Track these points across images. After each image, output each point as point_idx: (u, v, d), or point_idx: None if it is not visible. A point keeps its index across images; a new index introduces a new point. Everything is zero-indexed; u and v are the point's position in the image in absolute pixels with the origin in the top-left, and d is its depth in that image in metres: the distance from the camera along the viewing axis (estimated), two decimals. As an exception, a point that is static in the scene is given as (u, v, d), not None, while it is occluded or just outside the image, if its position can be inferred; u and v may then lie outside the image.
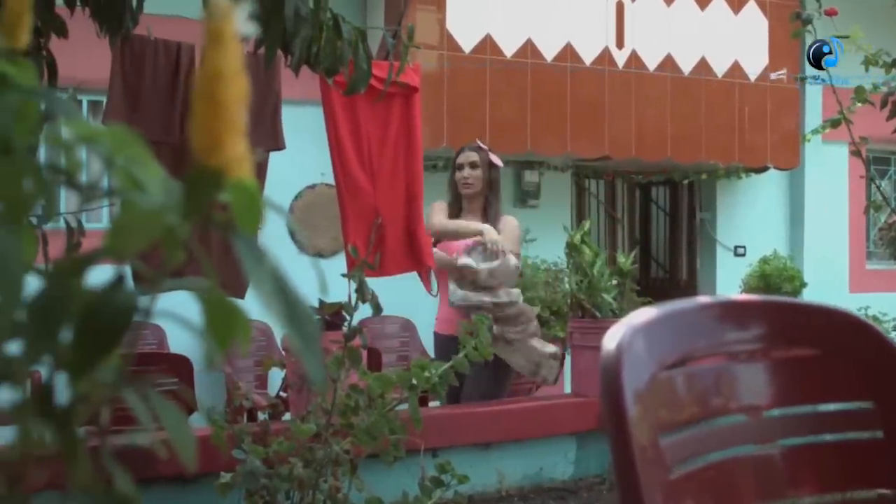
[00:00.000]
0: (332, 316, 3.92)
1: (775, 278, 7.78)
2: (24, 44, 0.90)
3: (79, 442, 0.75)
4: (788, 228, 11.30)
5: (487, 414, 5.30)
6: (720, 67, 10.18)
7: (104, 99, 5.31)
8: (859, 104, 5.39)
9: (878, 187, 6.20)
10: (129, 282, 0.77)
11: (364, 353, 4.02)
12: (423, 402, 5.18)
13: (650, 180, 11.38)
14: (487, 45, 9.03)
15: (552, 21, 9.31)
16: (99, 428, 0.82)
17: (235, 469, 3.74)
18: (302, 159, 7.30)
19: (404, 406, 3.94)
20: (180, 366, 6.17)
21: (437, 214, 5.60)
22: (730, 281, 10.11)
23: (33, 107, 0.84)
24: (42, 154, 0.82)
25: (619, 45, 9.66)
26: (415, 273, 5.78)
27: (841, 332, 1.62)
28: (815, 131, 6.67)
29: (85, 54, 4.73)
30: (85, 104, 7.74)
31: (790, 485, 1.51)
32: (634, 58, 9.72)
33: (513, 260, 5.38)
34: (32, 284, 0.76)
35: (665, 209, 12.20)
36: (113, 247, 0.75)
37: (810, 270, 9.63)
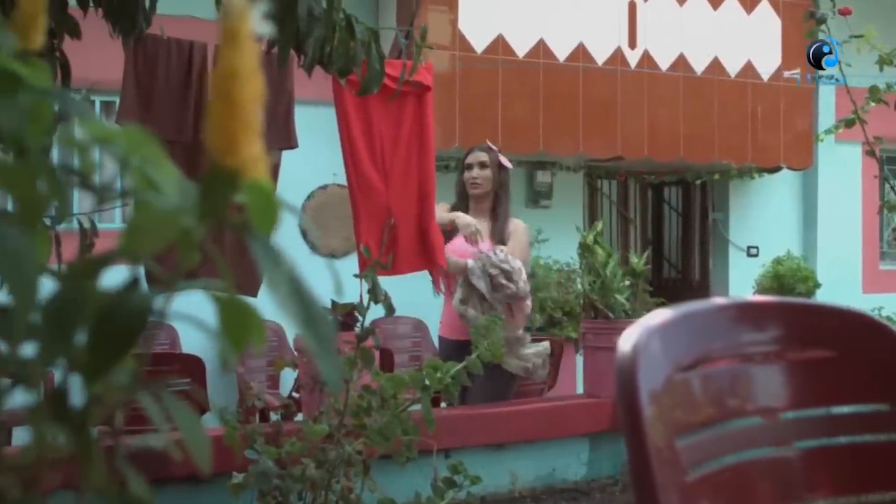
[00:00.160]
0: (345, 316, 3.92)
1: (789, 279, 7.76)
2: (38, 45, 0.89)
3: (93, 444, 0.75)
4: (801, 229, 11.26)
5: (500, 415, 5.29)
6: (733, 67, 10.15)
7: (117, 99, 5.32)
8: (873, 104, 5.37)
9: (893, 187, 6.16)
10: (143, 283, 0.77)
11: (376, 354, 4.01)
12: (435, 402, 5.17)
13: (662, 180, 11.36)
14: (499, 45, 9.02)
15: (564, 21, 9.29)
16: (113, 429, 0.82)
17: (248, 469, 3.74)
18: (314, 159, 7.30)
19: (417, 407, 3.93)
20: (193, 366, 6.18)
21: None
22: (742, 281, 10.08)
23: (47, 107, 0.83)
24: (55, 154, 0.82)
25: (632, 45, 9.64)
26: (425, 272, 5.78)
27: (856, 333, 1.61)
28: (828, 131, 6.64)
29: (98, 55, 4.74)
30: (98, 105, 7.76)
31: (805, 487, 1.50)
32: (647, 58, 9.70)
33: (518, 283, 5.35)
34: (47, 286, 0.76)
35: (677, 209, 12.17)
36: (127, 248, 0.74)
37: (823, 271, 9.60)
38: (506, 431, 5.25)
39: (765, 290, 7.88)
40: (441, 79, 7.80)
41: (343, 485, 3.84)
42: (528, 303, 5.48)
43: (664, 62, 9.79)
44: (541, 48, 9.19)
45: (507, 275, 5.28)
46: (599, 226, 5.81)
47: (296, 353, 7.09)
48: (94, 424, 0.77)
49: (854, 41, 5.53)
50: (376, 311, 3.92)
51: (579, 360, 6.48)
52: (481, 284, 5.24)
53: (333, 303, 3.60)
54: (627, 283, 5.64)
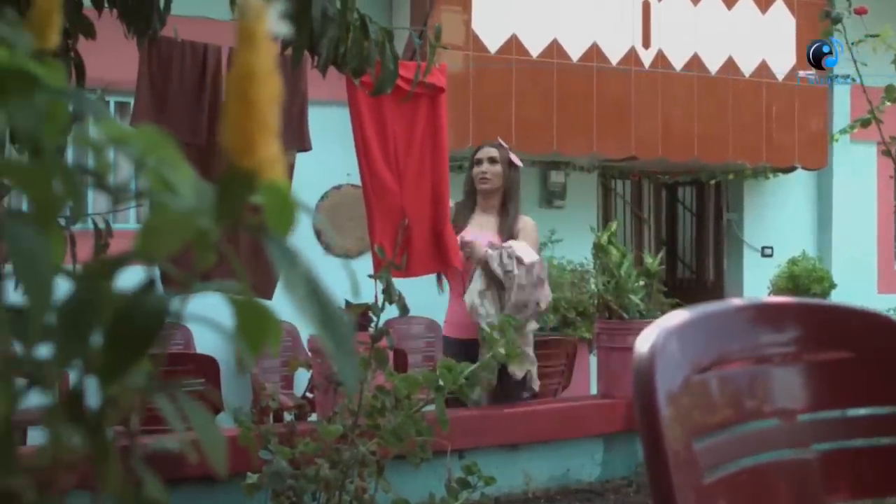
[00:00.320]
0: (359, 317, 3.92)
1: (804, 279, 7.73)
2: (53, 44, 0.89)
3: (109, 446, 0.75)
4: (816, 229, 11.22)
5: (514, 415, 5.28)
6: (747, 67, 10.12)
7: (131, 100, 5.33)
8: (889, 103, 5.35)
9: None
10: (159, 284, 0.76)
11: (390, 354, 4.01)
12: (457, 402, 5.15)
13: (676, 181, 11.34)
14: (513, 45, 9.01)
15: (578, 21, 9.28)
16: (129, 430, 0.81)
17: (262, 470, 3.74)
18: (328, 160, 7.30)
19: (431, 407, 3.93)
20: (207, 366, 6.19)
21: None
22: (757, 282, 10.04)
23: (63, 107, 0.83)
24: (70, 154, 0.82)
25: (646, 44, 9.62)
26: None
27: (874, 334, 1.60)
28: (843, 131, 6.62)
29: (112, 56, 4.75)
30: (112, 105, 7.77)
31: (824, 490, 1.49)
32: (661, 57, 9.68)
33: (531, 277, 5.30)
34: (62, 287, 0.75)
35: (692, 210, 12.14)
36: (143, 249, 0.74)
37: (838, 271, 9.55)
38: (520, 432, 5.25)
39: (780, 290, 7.84)
40: (454, 79, 7.79)
41: (357, 485, 3.83)
42: (540, 296, 5.38)
43: (678, 62, 9.77)
44: (554, 48, 9.18)
45: (522, 264, 5.25)
46: (614, 226, 5.79)
47: (310, 353, 7.09)
48: (110, 426, 0.77)
49: (870, 40, 5.50)
50: (390, 312, 3.91)
51: (593, 360, 6.46)
52: (499, 271, 5.20)
53: (347, 303, 3.60)
54: (642, 283, 5.62)
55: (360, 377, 3.65)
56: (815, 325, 1.57)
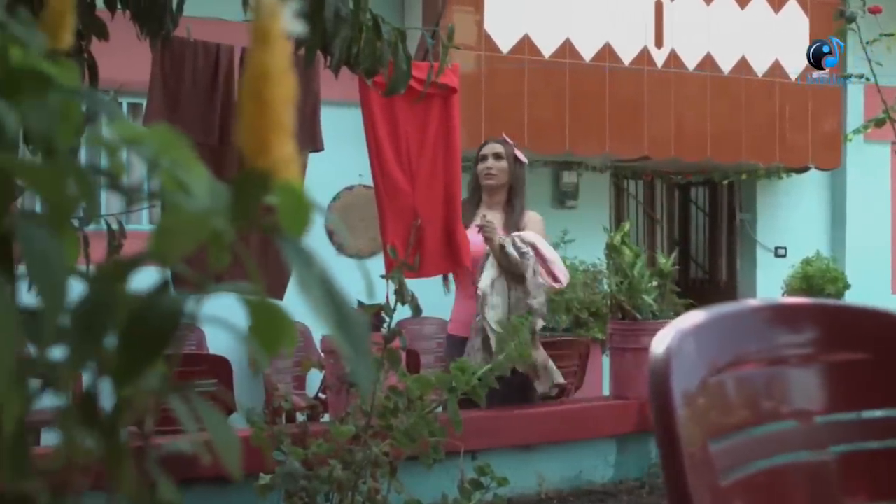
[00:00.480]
0: (371, 317, 3.91)
1: (818, 280, 7.70)
2: (66, 45, 0.89)
3: (123, 449, 0.74)
4: (829, 229, 11.19)
5: (527, 416, 5.27)
6: (760, 67, 10.09)
7: (143, 101, 5.33)
8: (903, 103, 5.32)
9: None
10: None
11: (403, 355, 4.00)
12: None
13: (689, 181, 11.31)
14: (525, 45, 9.00)
15: (591, 21, 9.26)
16: (143, 432, 0.81)
17: (275, 470, 3.74)
18: (340, 160, 7.30)
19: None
20: (219, 367, 6.20)
21: None
22: (770, 282, 10.01)
23: (76, 108, 0.83)
24: (83, 155, 0.81)
25: (658, 44, 9.60)
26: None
27: (892, 335, 1.58)
28: (857, 131, 6.60)
29: (125, 57, 4.75)
30: (125, 106, 7.79)
31: (841, 492, 1.48)
32: (674, 57, 9.66)
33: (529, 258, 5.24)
34: (76, 288, 0.75)
35: (704, 210, 12.11)
36: (157, 250, 0.73)
37: (852, 271, 9.51)
38: (533, 433, 5.24)
39: (794, 291, 7.82)
40: (467, 79, 7.79)
41: (370, 486, 3.83)
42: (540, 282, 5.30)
43: (691, 62, 9.75)
44: (567, 48, 9.17)
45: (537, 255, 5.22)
46: (627, 226, 5.77)
47: (322, 354, 7.09)
48: (125, 428, 0.76)
49: (884, 40, 5.48)
50: (402, 312, 3.91)
51: (606, 361, 6.44)
52: (515, 254, 5.17)
53: (360, 304, 3.59)
54: (655, 283, 5.61)
55: (374, 379, 3.65)
56: (831, 325, 1.55)
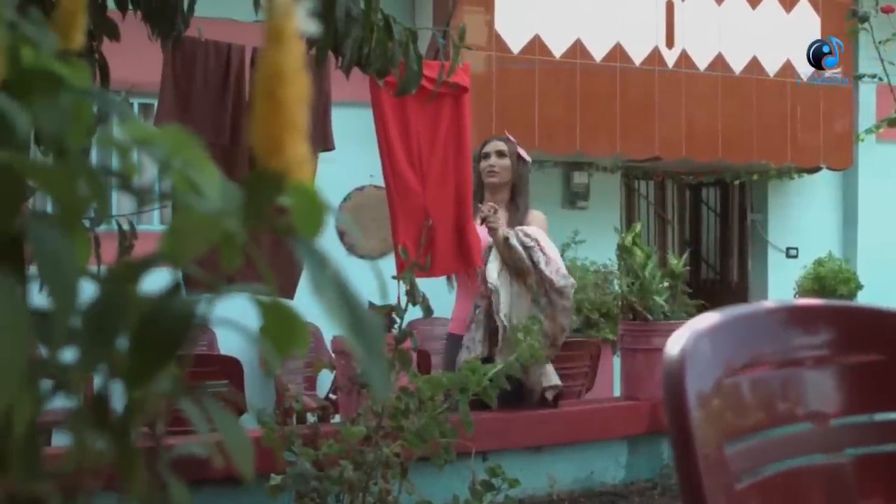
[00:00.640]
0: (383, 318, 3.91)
1: (830, 280, 7.67)
2: (78, 45, 0.88)
3: (135, 453, 0.74)
4: (841, 230, 11.15)
5: (538, 417, 5.26)
6: (772, 67, 10.06)
7: (154, 102, 5.34)
8: (916, 103, 5.30)
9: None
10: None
11: (414, 356, 4.00)
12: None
13: (700, 181, 11.28)
14: (536, 45, 8.98)
15: (601, 21, 9.25)
16: (154, 433, 0.80)
17: (286, 471, 3.73)
18: (350, 161, 7.30)
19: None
20: (230, 367, 6.21)
21: None
22: (782, 283, 9.98)
23: (87, 108, 0.82)
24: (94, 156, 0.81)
25: (669, 44, 9.58)
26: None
27: (907, 336, 1.57)
28: (869, 130, 6.57)
29: (136, 57, 4.76)
30: (136, 107, 7.80)
31: (858, 495, 1.46)
32: (685, 57, 9.64)
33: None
34: (87, 289, 0.74)
35: (715, 210, 12.09)
36: (169, 252, 0.73)
37: (864, 272, 9.48)
38: (544, 434, 5.22)
39: (806, 291, 7.79)
40: (477, 79, 7.77)
41: (381, 487, 3.83)
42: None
43: (702, 62, 9.73)
44: (577, 48, 9.15)
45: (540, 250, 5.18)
46: (638, 227, 5.76)
47: (333, 354, 7.09)
48: (136, 431, 0.76)
49: (897, 39, 5.46)
50: (413, 313, 3.90)
51: (617, 362, 6.43)
52: (519, 247, 5.14)
53: (371, 305, 3.59)
54: (666, 284, 5.59)
55: (389, 383, 3.64)
56: (847, 327, 1.54)
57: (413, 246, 5.31)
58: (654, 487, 5.41)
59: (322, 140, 5.53)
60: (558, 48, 9.08)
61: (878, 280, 9.65)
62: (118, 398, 0.76)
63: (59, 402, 0.79)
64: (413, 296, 3.82)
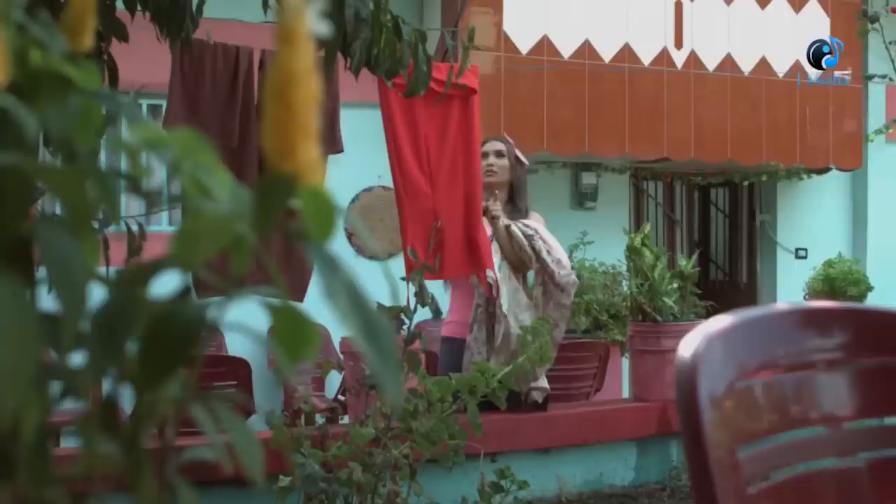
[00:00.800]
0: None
1: (840, 282, 7.65)
2: (86, 46, 0.88)
3: (144, 457, 0.73)
4: (850, 230, 11.12)
5: (547, 419, 5.24)
6: (781, 67, 10.04)
7: (163, 103, 5.34)
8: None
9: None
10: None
11: (423, 357, 3.99)
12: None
13: (709, 182, 11.27)
14: (544, 46, 8.98)
15: (610, 22, 9.23)
16: (164, 439, 0.80)
17: (294, 473, 3.73)
18: (358, 162, 7.30)
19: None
20: (239, 368, 6.21)
21: None
22: (790, 284, 9.96)
23: (96, 109, 0.82)
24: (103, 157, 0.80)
25: (678, 45, 9.56)
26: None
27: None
28: (878, 131, 6.57)
29: (145, 58, 4.76)
30: (144, 108, 7.80)
31: (872, 499, 1.45)
32: (693, 58, 9.62)
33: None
34: (96, 293, 0.74)
35: (724, 211, 12.07)
36: (179, 255, 0.72)
37: (874, 273, 9.45)
38: (553, 436, 5.21)
39: (815, 293, 7.76)
40: (485, 80, 7.76)
41: (389, 489, 3.82)
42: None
43: (711, 62, 9.71)
44: (586, 49, 9.14)
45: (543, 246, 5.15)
46: (647, 228, 5.75)
47: (341, 355, 7.09)
48: (146, 436, 0.75)
49: (907, 39, 5.44)
50: (422, 314, 3.90)
51: (625, 363, 6.42)
52: (521, 237, 5.12)
53: (380, 306, 3.58)
54: (675, 285, 5.57)
55: (402, 388, 3.63)
56: (860, 329, 1.53)
57: (422, 247, 5.30)
58: (663, 489, 5.40)
59: (331, 142, 5.53)
60: (567, 49, 9.07)
61: (888, 281, 9.62)
62: (128, 402, 0.75)
63: (69, 405, 0.78)
64: (422, 297, 3.82)
